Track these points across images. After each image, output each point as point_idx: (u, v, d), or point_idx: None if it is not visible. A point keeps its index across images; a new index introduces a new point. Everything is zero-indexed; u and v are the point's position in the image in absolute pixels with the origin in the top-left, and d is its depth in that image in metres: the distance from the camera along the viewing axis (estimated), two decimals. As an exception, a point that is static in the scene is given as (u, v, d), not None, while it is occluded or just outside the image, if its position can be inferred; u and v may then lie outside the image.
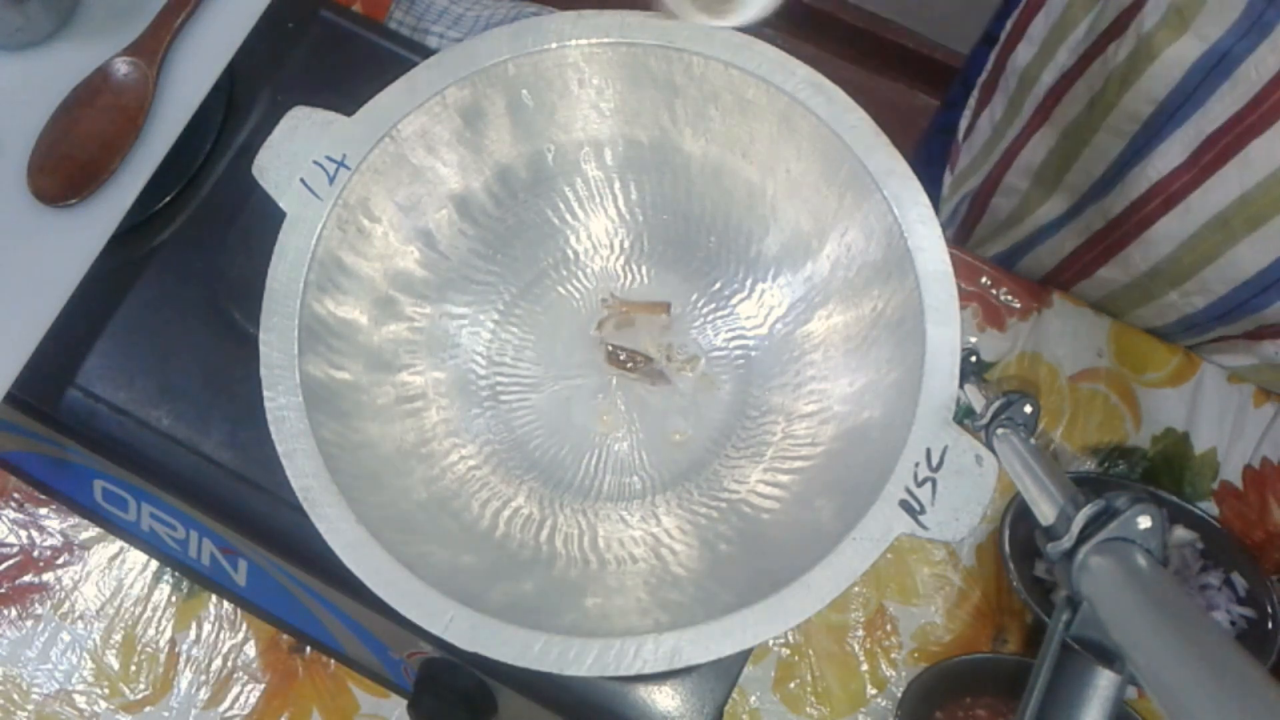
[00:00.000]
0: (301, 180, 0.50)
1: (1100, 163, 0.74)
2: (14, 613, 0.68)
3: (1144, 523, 0.42)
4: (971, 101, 0.88)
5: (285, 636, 0.68)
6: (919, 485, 0.44)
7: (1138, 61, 0.67)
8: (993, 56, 0.84)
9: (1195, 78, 0.65)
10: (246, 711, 0.67)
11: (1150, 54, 0.66)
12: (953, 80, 0.94)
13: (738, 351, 0.57)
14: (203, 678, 0.67)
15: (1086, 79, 0.72)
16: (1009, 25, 0.81)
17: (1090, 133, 0.73)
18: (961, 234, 0.92)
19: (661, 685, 0.52)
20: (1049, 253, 0.81)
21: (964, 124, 0.90)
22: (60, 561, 0.69)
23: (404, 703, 0.62)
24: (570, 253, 0.59)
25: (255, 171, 0.51)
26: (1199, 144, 0.66)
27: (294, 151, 0.51)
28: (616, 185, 0.57)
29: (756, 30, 0.51)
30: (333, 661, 0.68)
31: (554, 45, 0.51)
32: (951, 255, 0.48)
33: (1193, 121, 0.66)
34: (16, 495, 0.70)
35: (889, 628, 0.72)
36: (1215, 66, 0.64)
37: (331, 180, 0.50)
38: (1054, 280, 0.83)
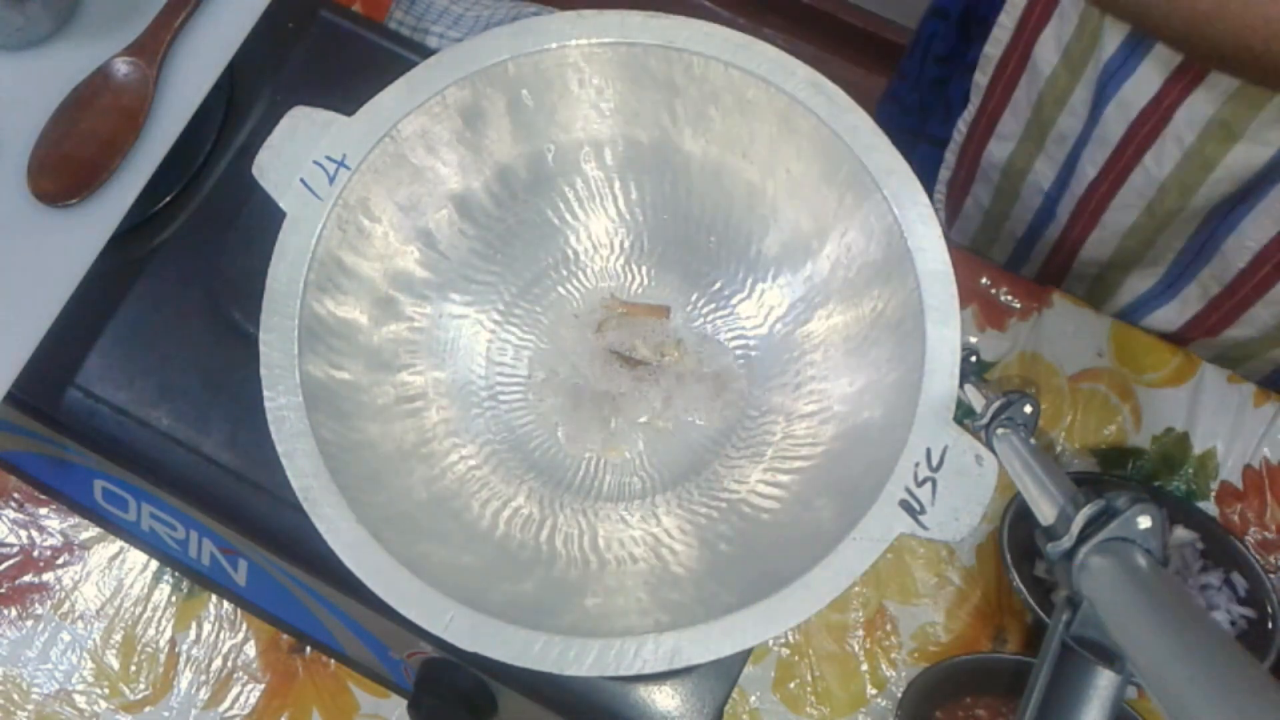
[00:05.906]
0: (301, 180, 0.50)
1: (1180, 239, 0.72)
2: (14, 613, 0.68)
3: (1144, 523, 0.42)
4: (940, 195, 0.86)
5: (285, 636, 0.68)
6: (919, 485, 0.44)
7: (1193, 171, 0.64)
8: (953, 155, 0.82)
9: (1268, 172, 0.63)
10: (246, 711, 0.67)
11: (1206, 164, 0.63)
12: (903, 53, 0.91)
13: (738, 351, 0.57)
14: (203, 678, 0.67)
15: (1132, 187, 0.69)
16: (964, 128, 0.79)
17: (1157, 231, 0.71)
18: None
19: (661, 685, 0.52)
20: (1164, 319, 0.79)
21: (941, 213, 0.87)
22: (60, 561, 0.69)
23: (404, 703, 0.62)
24: (570, 253, 0.59)
25: (255, 171, 0.51)
26: None
27: (294, 151, 0.50)
28: (616, 185, 0.57)
29: (756, 30, 0.51)
30: (333, 661, 0.68)
31: (554, 45, 0.51)
32: (951, 255, 0.48)
33: (1276, 195, 0.64)
34: (16, 495, 0.70)
35: (889, 628, 0.72)
36: None
37: (331, 180, 0.50)
38: (1176, 340, 0.80)
